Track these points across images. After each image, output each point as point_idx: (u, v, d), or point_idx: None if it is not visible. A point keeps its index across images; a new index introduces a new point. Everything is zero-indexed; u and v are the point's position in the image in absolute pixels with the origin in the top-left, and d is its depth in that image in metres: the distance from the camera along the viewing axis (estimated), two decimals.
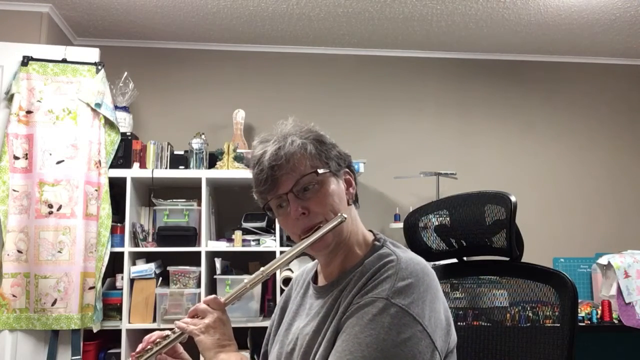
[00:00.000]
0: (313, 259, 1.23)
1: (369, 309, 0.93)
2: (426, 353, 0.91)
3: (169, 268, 2.85)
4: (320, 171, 1.04)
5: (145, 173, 2.89)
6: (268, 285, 2.92)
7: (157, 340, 1.06)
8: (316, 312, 1.05)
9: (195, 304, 1.09)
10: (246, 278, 1.10)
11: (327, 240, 1.03)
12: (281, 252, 2.86)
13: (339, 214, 1.03)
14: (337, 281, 1.06)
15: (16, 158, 2.65)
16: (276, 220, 2.85)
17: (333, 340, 0.95)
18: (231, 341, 1.04)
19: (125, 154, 2.92)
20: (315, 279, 1.17)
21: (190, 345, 1.11)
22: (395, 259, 0.99)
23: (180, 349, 1.15)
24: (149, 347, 1.06)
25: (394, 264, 0.98)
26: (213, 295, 1.09)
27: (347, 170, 1.11)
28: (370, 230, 1.14)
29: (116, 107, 2.95)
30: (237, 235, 2.90)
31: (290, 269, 2.76)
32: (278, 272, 2.78)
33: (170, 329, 1.07)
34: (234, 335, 1.07)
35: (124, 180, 2.85)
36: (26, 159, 2.66)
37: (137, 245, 2.88)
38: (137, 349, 1.07)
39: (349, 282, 1.02)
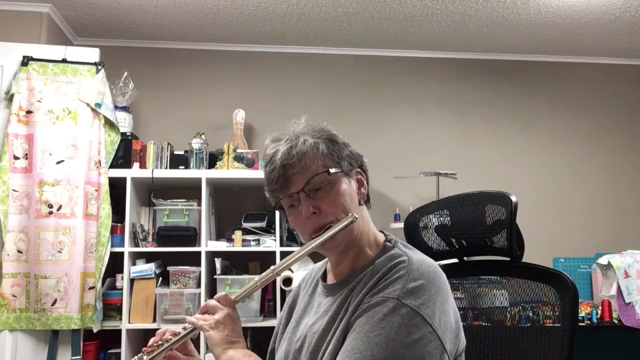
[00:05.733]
0: (316, 260, 1.23)
1: (380, 308, 0.93)
2: (435, 355, 0.91)
3: (169, 268, 2.86)
4: (332, 171, 1.04)
5: (145, 173, 2.89)
6: (268, 286, 2.92)
7: (169, 336, 1.07)
8: (325, 310, 1.05)
9: (206, 301, 1.10)
10: (256, 276, 1.11)
11: (337, 240, 1.04)
12: (281, 252, 2.86)
13: (350, 214, 1.03)
14: (347, 280, 1.06)
15: (16, 158, 2.65)
16: (276, 220, 2.91)
17: (342, 339, 0.95)
18: (240, 338, 1.06)
19: (125, 154, 2.92)
20: (324, 277, 1.18)
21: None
22: (407, 259, 0.99)
23: (191, 345, 1.16)
24: (160, 342, 1.07)
25: (406, 264, 0.98)
26: (224, 292, 1.10)
27: (359, 170, 1.12)
28: (382, 231, 1.14)
29: (116, 107, 2.95)
30: (237, 235, 2.90)
31: (290, 269, 2.75)
32: None
33: (183, 326, 1.08)
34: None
35: (124, 180, 2.85)
36: (26, 159, 2.66)
37: (137, 245, 2.88)
38: (149, 343, 1.08)
39: (359, 281, 1.02)
